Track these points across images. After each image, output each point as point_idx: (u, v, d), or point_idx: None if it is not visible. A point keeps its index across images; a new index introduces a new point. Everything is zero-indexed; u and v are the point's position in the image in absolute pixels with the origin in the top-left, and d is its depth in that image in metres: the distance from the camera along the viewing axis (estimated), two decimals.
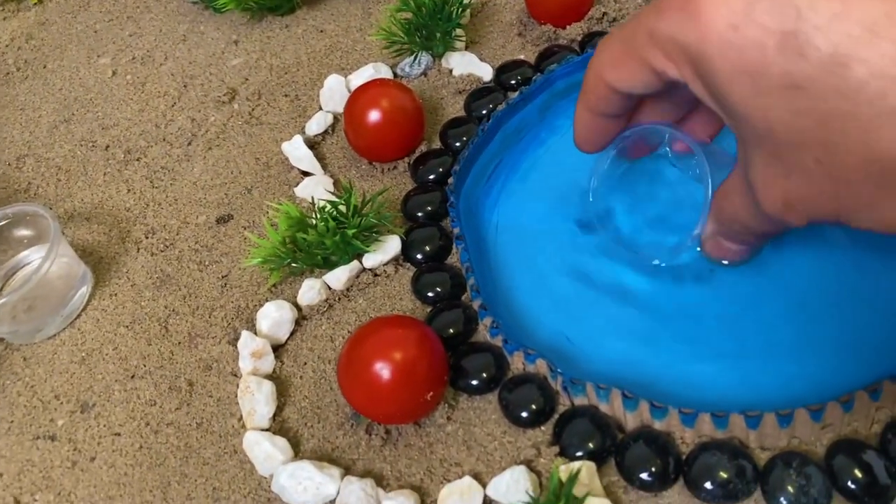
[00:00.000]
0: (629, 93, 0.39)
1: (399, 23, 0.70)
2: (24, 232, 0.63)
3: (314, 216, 0.56)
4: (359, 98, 0.64)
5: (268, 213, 0.63)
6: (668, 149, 0.55)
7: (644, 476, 0.44)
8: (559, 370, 0.48)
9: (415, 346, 0.47)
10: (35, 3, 0.88)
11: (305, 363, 0.54)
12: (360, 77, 0.70)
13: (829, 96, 0.27)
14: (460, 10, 0.69)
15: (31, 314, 0.59)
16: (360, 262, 0.58)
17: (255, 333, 0.55)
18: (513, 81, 0.68)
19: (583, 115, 0.44)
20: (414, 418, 0.49)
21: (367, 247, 0.56)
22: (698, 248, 0.49)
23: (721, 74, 0.31)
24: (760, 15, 0.28)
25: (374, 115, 0.63)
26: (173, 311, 0.59)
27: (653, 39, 0.34)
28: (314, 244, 0.55)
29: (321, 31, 0.78)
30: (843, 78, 0.27)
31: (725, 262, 0.48)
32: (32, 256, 0.63)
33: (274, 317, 0.55)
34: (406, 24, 0.69)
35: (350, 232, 0.54)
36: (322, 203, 0.55)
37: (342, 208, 0.56)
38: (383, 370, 0.46)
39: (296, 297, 0.57)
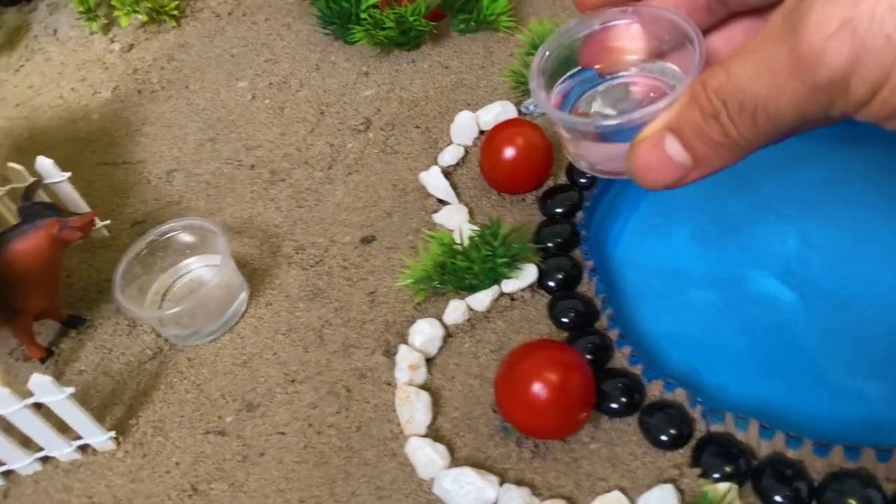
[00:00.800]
0: None
1: (527, 65, 0.75)
2: (185, 239, 0.69)
3: (460, 243, 0.62)
4: (496, 135, 0.69)
5: (418, 236, 0.69)
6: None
7: (779, 499, 0.49)
8: (699, 399, 0.53)
9: (570, 368, 0.52)
10: (174, 27, 0.95)
11: (453, 377, 0.59)
12: (488, 113, 0.76)
13: None
14: None
15: (194, 319, 0.65)
16: (500, 287, 0.63)
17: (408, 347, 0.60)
18: None
19: None
20: (565, 435, 0.54)
21: (510, 274, 0.62)
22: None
23: None
24: None
25: (509, 152, 0.68)
26: (326, 322, 0.65)
27: None
28: (463, 269, 0.61)
29: (446, 67, 0.84)
30: None
31: (649, 180, 0.35)
32: (194, 265, 0.70)
33: (427, 333, 0.60)
34: None
35: (499, 260, 0.60)
36: (472, 232, 0.61)
37: (490, 238, 0.61)
38: (543, 389, 0.51)
39: (440, 315, 0.62)
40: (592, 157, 0.39)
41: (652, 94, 0.37)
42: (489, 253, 0.60)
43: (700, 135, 0.30)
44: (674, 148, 0.31)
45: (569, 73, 0.40)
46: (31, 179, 0.69)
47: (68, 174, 0.67)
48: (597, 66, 0.39)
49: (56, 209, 0.61)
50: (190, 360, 0.65)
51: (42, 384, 0.53)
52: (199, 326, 0.65)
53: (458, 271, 0.61)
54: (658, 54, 0.39)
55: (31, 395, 0.54)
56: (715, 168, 0.32)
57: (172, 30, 0.96)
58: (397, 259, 0.68)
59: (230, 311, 0.66)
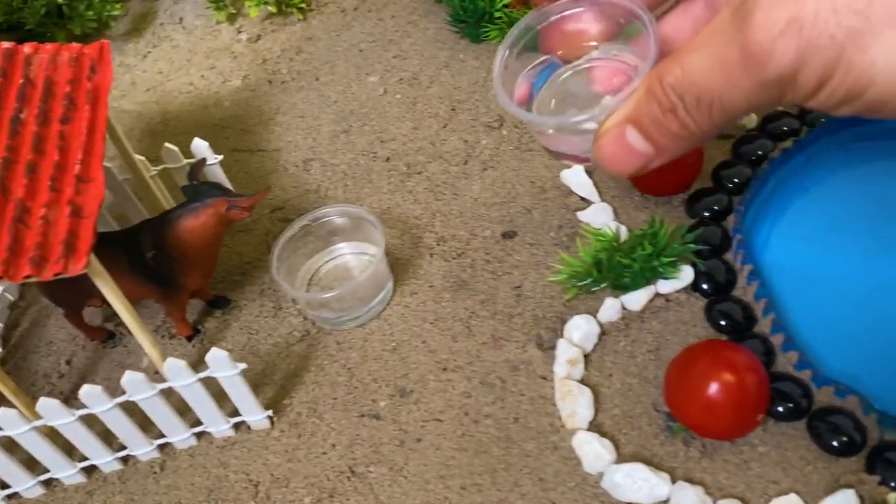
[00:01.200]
0: None
1: None
2: (337, 225, 0.70)
3: (622, 241, 0.61)
4: None
5: (561, 233, 0.69)
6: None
7: None
8: (876, 407, 0.52)
9: (748, 369, 0.52)
10: (300, 20, 0.97)
11: (611, 374, 0.59)
12: None
13: None
14: None
15: (342, 303, 0.65)
16: (655, 288, 0.62)
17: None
18: (778, 131, 0.73)
19: None
20: (739, 436, 0.53)
21: (671, 274, 0.61)
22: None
23: None
24: None
25: None
26: (473, 313, 0.65)
27: None
28: (623, 266, 0.61)
29: None
30: None
31: (614, 168, 0.36)
32: (343, 250, 0.70)
33: (584, 329, 0.60)
34: None
35: (664, 260, 0.60)
36: (639, 231, 0.61)
37: (650, 237, 0.61)
38: (721, 389, 0.51)
39: (591, 312, 0.62)
40: (559, 147, 0.40)
41: (614, 80, 0.38)
42: (651, 252, 0.60)
43: (659, 127, 0.31)
44: (635, 139, 0.32)
45: (532, 64, 0.41)
46: (184, 161, 0.70)
47: (220, 157, 0.68)
48: (559, 53, 0.41)
49: (223, 189, 0.62)
50: (339, 344, 0.65)
51: (218, 359, 0.54)
52: (348, 311, 0.65)
53: (616, 269, 0.61)
54: (616, 37, 0.40)
55: (206, 368, 0.55)
56: (676, 154, 0.33)
57: (298, 23, 0.97)
58: (542, 254, 0.68)
59: (378, 298, 0.66)
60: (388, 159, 0.79)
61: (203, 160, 0.65)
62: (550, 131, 0.40)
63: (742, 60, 0.27)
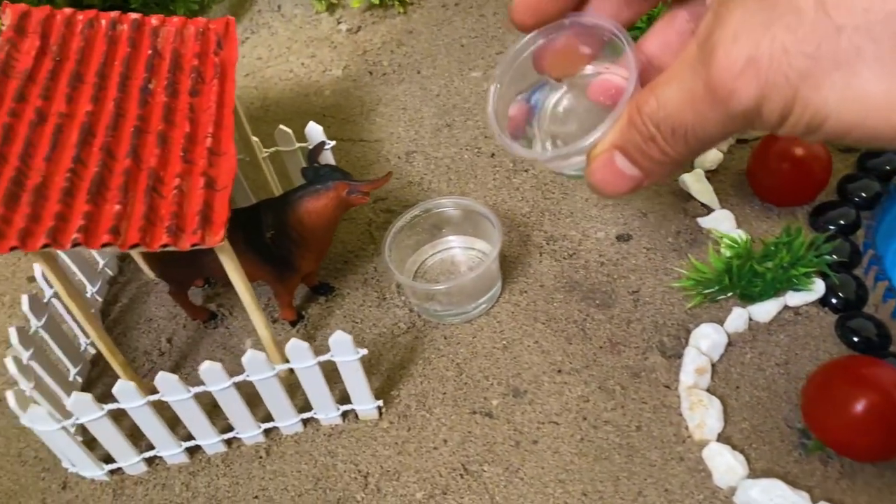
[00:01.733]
0: None
1: None
2: (449, 217, 0.68)
3: (748, 249, 0.59)
4: (774, 144, 0.67)
5: (680, 239, 0.66)
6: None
7: None
8: None
9: None
10: (400, 13, 0.96)
11: (738, 387, 0.57)
12: None
13: None
14: None
15: (450, 297, 0.64)
16: (784, 300, 0.60)
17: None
18: None
19: None
20: (886, 458, 0.50)
21: (804, 286, 0.59)
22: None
23: None
24: None
25: (787, 163, 0.65)
26: (588, 316, 0.63)
27: None
28: (757, 275, 0.58)
29: None
30: None
31: (606, 192, 0.37)
32: (452, 243, 0.69)
33: (713, 338, 0.58)
34: None
35: (801, 270, 0.57)
36: (773, 239, 0.58)
37: (783, 247, 0.58)
38: (869, 408, 0.48)
39: (717, 321, 0.60)
40: (560, 168, 0.41)
41: (611, 91, 0.39)
42: (788, 262, 0.57)
43: (642, 153, 0.33)
44: (623, 164, 0.34)
45: (526, 85, 0.42)
46: (297, 144, 0.69)
47: (333, 143, 0.67)
48: (553, 74, 0.42)
49: (343, 172, 0.60)
50: (446, 339, 0.64)
51: (341, 342, 0.52)
52: (456, 306, 0.64)
53: (747, 277, 0.58)
54: (602, 53, 0.41)
55: (327, 351, 0.53)
56: (665, 175, 0.35)
57: (399, 16, 0.96)
58: (660, 259, 0.66)
59: (487, 295, 0.64)
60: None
61: (322, 143, 0.64)
62: (549, 155, 0.41)
63: (708, 96, 0.28)
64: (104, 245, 0.46)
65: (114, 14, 0.61)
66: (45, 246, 0.46)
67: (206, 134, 0.54)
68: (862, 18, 0.24)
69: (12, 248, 0.46)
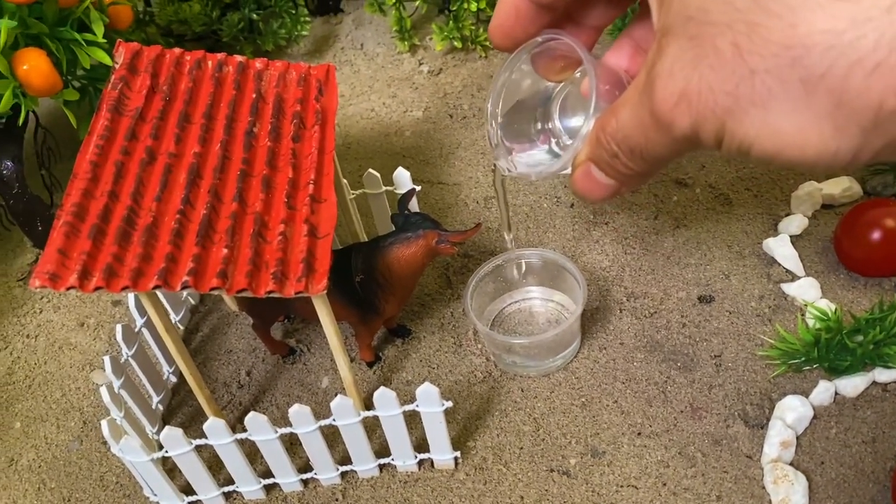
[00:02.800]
0: None
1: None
2: (531, 267, 0.68)
3: (838, 322, 0.58)
4: (863, 213, 0.66)
5: (763, 303, 0.66)
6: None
7: None
8: None
9: None
10: (481, 56, 0.97)
11: (822, 462, 0.56)
12: (834, 188, 0.73)
13: None
14: None
15: (529, 350, 0.64)
16: (873, 375, 0.59)
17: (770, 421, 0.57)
18: None
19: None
20: None
21: (895, 363, 0.58)
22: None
23: None
24: None
25: (877, 233, 0.65)
26: (669, 378, 0.62)
27: None
28: (846, 349, 0.57)
29: None
30: None
31: (589, 199, 0.42)
32: (532, 293, 0.69)
33: (799, 411, 0.57)
34: None
35: (894, 349, 0.56)
36: (866, 314, 0.57)
37: (877, 322, 0.57)
38: None
39: (802, 393, 0.59)
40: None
41: (606, 86, 0.42)
42: (881, 338, 0.56)
43: (611, 167, 0.37)
44: (598, 174, 0.38)
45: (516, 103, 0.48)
46: (383, 188, 0.71)
47: (418, 188, 0.68)
48: (552, 79, 0.48)
49: (433, 221, 0.61)
50: (523, 391, 0.64)
51: (428, 394, 0.53)
52: (534, 358, 0.64)
53: (836, 350, 0.58)
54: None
55: (413, 401, 0.54)
56: (637, 185, 0.39)
57: (480, 59, 0.98)
58: (742, 324, 0.65)
59: (567, 350, 0.64)
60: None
61: (413, 190, 0.65)
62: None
63: (653, 123, 0.32)
64: (212, 289, 0.48)
65: (220, 56, 0.63)
66: (156, 287, 0.47)
67: (308, 180, 0.56)
68: (772, 63, 0.27)
69: (124, 289, 0.47)
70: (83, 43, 0.73)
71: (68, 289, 0.47)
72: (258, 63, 0.64)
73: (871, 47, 0.24)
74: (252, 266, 0.49)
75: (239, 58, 0.64)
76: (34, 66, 0.68)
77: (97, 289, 0.47)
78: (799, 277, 0.67)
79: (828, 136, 0.27)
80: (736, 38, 0.28)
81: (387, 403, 0.54)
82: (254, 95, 0.61)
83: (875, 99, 0.25)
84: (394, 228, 0.62)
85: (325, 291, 0.50)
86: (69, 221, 0.50)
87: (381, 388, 0.53)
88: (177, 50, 0.63)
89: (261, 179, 0.55)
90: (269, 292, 0.48)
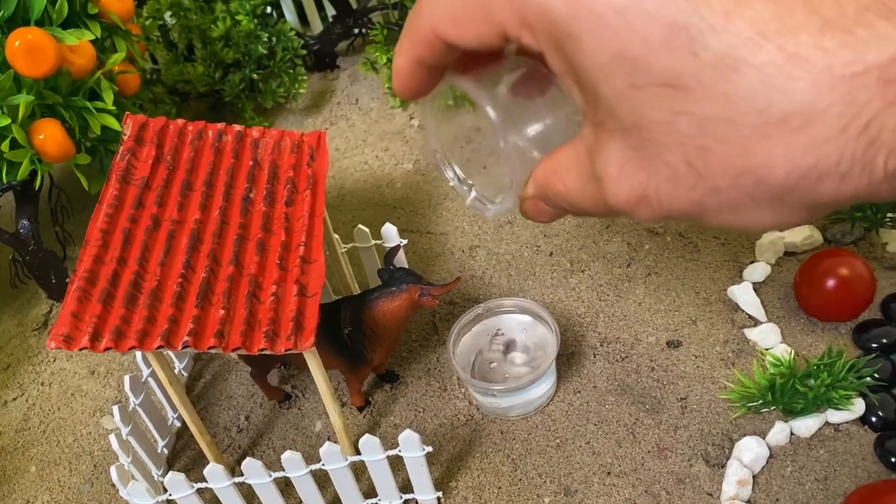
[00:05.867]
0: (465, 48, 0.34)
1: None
2: (509, 316, 0.73)
3: (791, 368, 0.63)
4: (821, 262, 0.70)
5: (727, 348, 0.70)
6: None
7: None
8: None
9: None
10: (470, 111, 1.03)
11: (777, 500, 0.60)
12: (796, 236, 0.77)
13: (715, 101, 0.25)
14: None
15: (503, 395, 0.68)
16: (825, 416, 0.63)
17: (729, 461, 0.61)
18: None
19: (406, 64, 0.37)
20: None
21: (844, 405, 0.62)
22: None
23: (593, 59, 0.27)
24: (649, 2, 0.26)
25: (832, 280, 0.69)
26: (638, 420, 0.67)
27: (512, 1, 0.29)
28: (798, 393, 0.62)
29: None
30: (732, 83, 0.25)
31: (538, 221, 0.41)
32: (513, 338, 0.74)
33: (756, 451, 0.61)
34: None
35: (841, 393, 0.61)
36: (816, 360, 0.62)
37: (826, 367, 0.62)
38: None
39: (759, 433, 0.63)
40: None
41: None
42: (829, 383, 0.61)
43: (551, 203, 0.36)
44: (545, 206, 0.37)
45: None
46: (372, 242, 0.76)
47: (405, 241, 0.73)
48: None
49: (416, 275, 0.66)
50: (502, 433, 0.68)
51: (410, 440, 0.57)
52: (509, 402, 0.68)
53: (790, 394, 0.62)
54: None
55: (395, 447, 0.59)
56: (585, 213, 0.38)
57: (469, 113, 1.03)
58: (707, 368, 0.70)
59: (542, 393, 0.69)
60: (551, 254, 0.83)
61: (398, 247, 0.71)
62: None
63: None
64: (210, 348, 0.53)
65: (220, 125, 0.69)
66: (160, 347, 0.52)
67: (300, 242, 0.61)
68: (736, 182, 0.26)
69: (131, 349, 0.52)
70: (94, 111, 0.78)
71: (81, 349, 0.52)
72: (255, 132, 0.70)
73: (834, 162, 0.24)
74: (246, 326, 0.54)
75: (237, 127, 0.70)
76: (49, 135, 0.74)
77: (107, 349, 0.52)
78: (761, 323, 0.72)
79: (793, 220, 0.28)
80: (689, 158, 0.27)
81: (372, 449, 0.58)
82: (251, 163, 0.67)
83: (848, 197, 0.25)
84: (380, 283, 0.67)
85: (314, 346, 0.55)
86: (81, 287, 0.55)
87: (366, 436, 0.57)
88: (180, 121, 0.69)
89: (256, 243, 0.60)
90: (262, 350, 0.53)
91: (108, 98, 0.81)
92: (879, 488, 0.55)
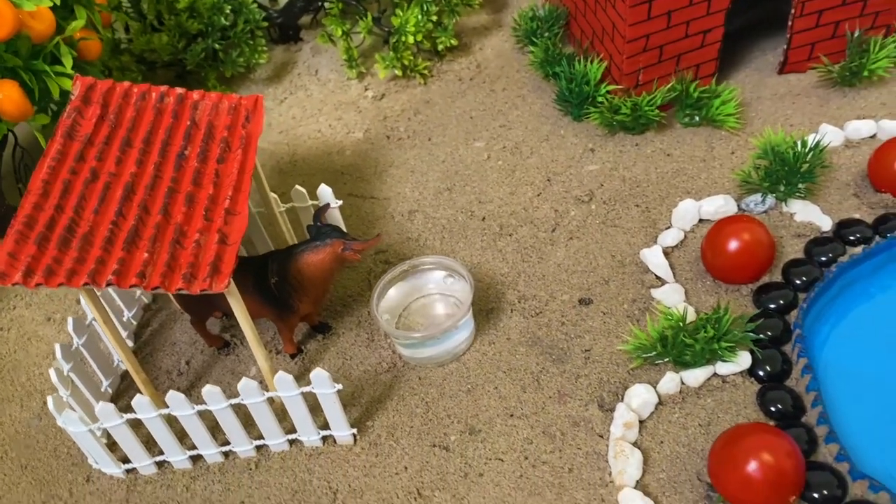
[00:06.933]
0: None
1: (757, 168, 0.82)
2: (433, 272, 0.78)
3: (688, 321, 0.68)
4: (725, 227, 0.75)
5: (634, 306, 0.75)
6: None
7: None
8: None
9: (787, 454, 0.57)
10: (421, 84, 1.08)
11: (662, 442, 0.65)
12: (710, 205, 0.82)
13: None
14: (818, 166, 0.80)
15: (424, 345, 0.73)
16: (714, 368, 0.68)
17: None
18: (851, 237, 0.77)
19: None
20: None
21: (728, 358, 0.67)
22: None
23: None
24: None
25: (735, 244, 0.74)
26: (544, 369, 0.72)
27: None
28: (686, 346, 0.67)
29: (668, 155, 0.91)
30: None
31: None
32: (434, 294, 0.79)
33: (644, 397, 0.66)
34: (764, 170, 0.81)
35: (723, 344, 0.65)
36: (704, 314, 0.67)
37: (714, 322, 0.67)
38: (760, 468, 0.56)
39: (652, 383, 0.68)
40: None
41: None
42: (714, 335, 0.66)
43: None
44: None
45: None
46: (309, 202, 0.81)
47: (340, 202, 0.78)
48: None
49: (341, 232, 0.71)
50: (420, 379, 0.74)
51: (320, 377, 0.63)
52: (429, 352, 0.73)
53: (680, 347, 0.67)
54: None
55: (305, 379, 0.64)
56: None
57: (420, 87, 1.08)
58: (613, 324, 0.75)
59: (458, 345, 0.74)
60: (483, 219, 0.88)
61: (327, 205, 0.75)
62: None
63: None
64: (132, 286, 0.58)
65: (163, 88, 0.74)
66: (86, 284, 0.58)
67: (227, 196, 0.66)
68: None
69: (59, 285, 0.58)
70: (52, 74, 0.83)
71: (14, 284, 0.57)
72: (196, 94, 0.74)
73: None
74: (167, 268, 0.59)
75: (179, 90, 0.74)
76: (7, 95, 0.79)
77: (38, 285, 0.57)
78: (666, 283, 0.77)
79: None
80: None
81: (286, 385, 0.64)
82: (188, 123, 0.72)
83: None
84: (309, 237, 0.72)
85: (230, 287, 0.60)
86: (19, 230, 0.60)
87: (280, 373, 0.63)
88: (126, 83, 0.73)
89: (185, 195, 0.65)
90: (179, 289, 0.59)
91: (68, 63, 0.85)
92: (746, 428, 0.60)
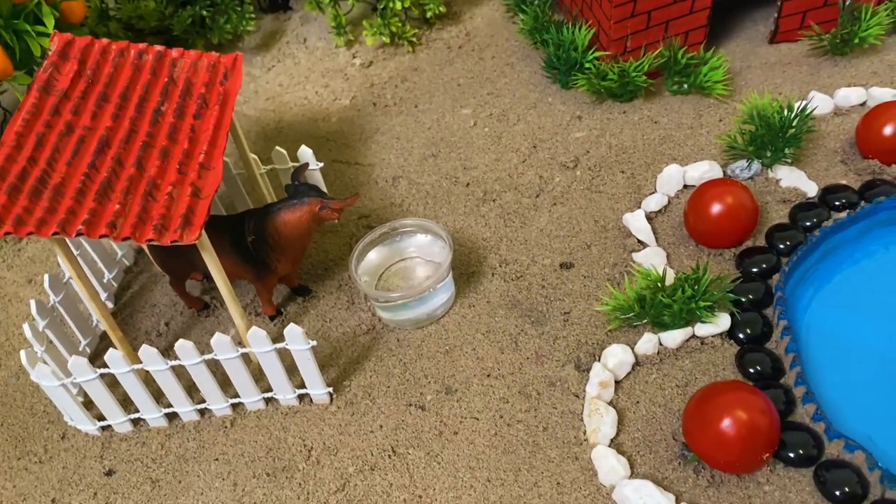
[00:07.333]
0: None
1: (743, 133, 0.81)
2: (413, 236, 0.77)
3: (662, 282, 0.67)
4: (707, 190, 0.74)
5: (616, 270, 0.75)
6: None
7: None
8: (880, 465, 0.55)
9: (762, 411, 0.56)
10: (409, 52, 1.07)
11: (638, 402, 0.65)
12: (695, 170, 0.81)
13: None
14: (804, 131, 0.79)
15: (406, 305, 0.73)
16: (693, 329, 0.68)
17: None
18: (837, 203, 0.77)
19: None
20: (746, 471, 0.58)
21: (707, 319, 0.66)
22: None
23: None
24: None
25: (717, 207, 0.73)
26: (522, 331, 0.72)
27: None
28: (664, 306, 0.66)
29: (655, 122, 0.90)
30: None
31: None
32: (414, 257, 0.78)
33: (620, 357, 0.66)
34: (749, 135, 0.80)
35: (701, 304, 0.65)
36: (682, 275, 0.66)
37: (693, 282, 0.66)
38: (734, 425, 0.56)
39: (631, 344, 0.68)
40: None
41: None
42: (692, 296, 0.65)
43: None
44: None
45: None
46: (290, 164, 0.80)
47: (321, 164, 0.78)
48: None
49: (319, 191, 0.71)
50: (399, 341, 0.73)
51: (294, 333, 0.62)
52: (409, 314, 0.73)
53: (658, 307, 0.66)
54: None
55: (283, 340, 0.63)
56: None
57: (408, 54, 1.07)
58: (593, 287, 0.74)
59: (438, 305, 0.74)
60: (467, 185, 0.87)
61: (306, 164, 0.75)
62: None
63: None
64: (102, 236, 0.57)
65: (142, 45, 0.73)
66: (55, 234, 0.57)
67: (202, 151, 0.65)
68: None
69: (29, 234, 0.57)
70: (34, 34, 0.83)
71: None
72: (174, 52, 0.74)
73: None
74: (138, 220, 0.59)
75: (158, 47, 0.74)
76: None
77: (6, 234, 0.57)
78: (648, 247, 0.76)
79: None
80: None
81: (260, 341, 0.63)
82: (166, 79, 0.71)
83: None
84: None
85: (202, 240, 0.60)
86: None
87: (254, 328, 0.62)
88: (105, 40, 0.73)
89: (160, 150, 0.65)
90: (149, 240, 0.58)
91: (49, 23, 0.85)
92: (721, 386, 0.59)
